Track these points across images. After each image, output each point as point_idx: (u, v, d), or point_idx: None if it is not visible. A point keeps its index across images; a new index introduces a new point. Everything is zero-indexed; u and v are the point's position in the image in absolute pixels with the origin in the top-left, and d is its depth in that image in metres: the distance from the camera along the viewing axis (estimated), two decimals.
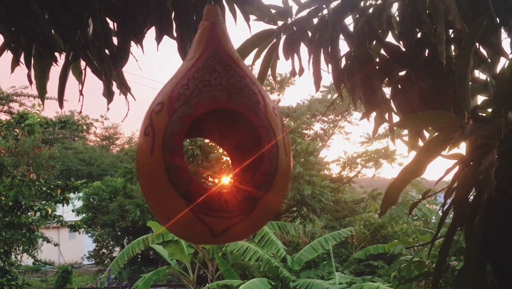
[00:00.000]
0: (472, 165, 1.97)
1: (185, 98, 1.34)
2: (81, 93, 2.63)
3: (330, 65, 2.89)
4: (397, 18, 2.76)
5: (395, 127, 2.66)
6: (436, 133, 2.12)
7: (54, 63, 2.47)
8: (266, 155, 1.34)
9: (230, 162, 1.67)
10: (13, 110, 22.85)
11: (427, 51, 2.62)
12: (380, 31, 2.77)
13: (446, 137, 2.00)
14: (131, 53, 2.49)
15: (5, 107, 24.69)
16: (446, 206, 2.08)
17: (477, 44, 2.49)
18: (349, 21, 2.88)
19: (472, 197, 2.00)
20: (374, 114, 2.85)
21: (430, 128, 2.59)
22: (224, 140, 1.69)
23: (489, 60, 2.55)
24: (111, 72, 2.47)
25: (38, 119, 10.65)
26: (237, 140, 1.61)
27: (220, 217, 1.30)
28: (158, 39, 2.51)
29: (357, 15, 2.85)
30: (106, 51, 2.41)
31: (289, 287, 14.11)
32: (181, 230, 1.39)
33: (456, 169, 2.01)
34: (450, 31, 2.62)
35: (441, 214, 2.16)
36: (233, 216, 1.31)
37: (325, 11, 2.90)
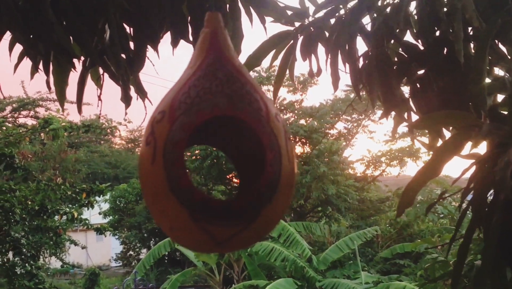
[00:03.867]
0: (489, 164, 1.95)
1: (186, 106, 1.33)
2: (99, 99, 2.65)
3: (348, 65, 2.89)
4: (415, 17, 2.74)
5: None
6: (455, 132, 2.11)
7: (72, 69, 2.50)
8: (269, 161, 1.33)
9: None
10: (39, 115, 23.08)
11: (445, 49, 2.60)
12: (397, 30, 2.75)
13: (462, 137, 1.98)
14: (148, 58, 2.51)
15: (31, 112, 24.94)
16: (464, 206, 2.06)
17: (496, 41, 2.47)
18: (366, 20, 2.87)
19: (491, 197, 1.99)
20: (393, 113, 2.84)
21: (451, 128, 2.57)
22: (227, 148, 1.68)
23: (509, 57, 2.52)
24: (128, 77, 2.48)
25: (63, 124, 10.74)
26: (239, 147, 1.60)
27: (222, 225, 1.30)
28: (174, 43, 2.53)
29: (375, 15, 2.83)
30: (123, 55, 2.43)
31: (315, 287, 14.11)
32: (184, 239, 1.39)
33: (474, 168, 2.00)
34: (470, 28, 2.60)
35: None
36: (236, 224, 1.31)
37: (342, 11, 2.89)
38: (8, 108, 24.64)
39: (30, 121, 24.19)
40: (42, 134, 11.64)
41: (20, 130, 11.30)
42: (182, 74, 1.44)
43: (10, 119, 24.19)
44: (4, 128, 11.77)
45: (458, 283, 2.08)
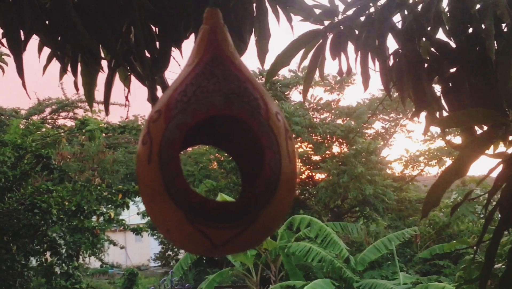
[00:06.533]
0: None
1: (182, 105, 1.31)
2: (126, 99, 2.65)
3: (378, 64, 2.84)
4: (447, 14, 2.70)
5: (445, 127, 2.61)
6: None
7: (101, 70, 2.50)
8: (267, 162, 1.29)
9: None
10: (78, 116, 23.38)
11: (477, 47, 2.54)
12: (429, 28, 2.71)
13: (489, 136, 1.93)
14: (173, 58, 2.50)
15: (70, 114, 25.28)
16: (491, 207, 2.02)
17: None
18: (397, 18, 2.82)
19: None
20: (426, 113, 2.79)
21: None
22: (227, 147, 1.65)
23: None
24: (153, 77, 2.47)
25: (101, 125, 10.84)
26: (238, 147, 1.57)
27: (220, 227, 1.27)
28: None
29: (405, 12, 2.78)
30: (148, 55, 2.42)
31: (353, 288, 14.03)
32: (181, 241, 1.36)
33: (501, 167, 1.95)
34: (503, 25, 2.54)
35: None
36: (234, 226, 1.27)
37: (372, 9, 2.84)
38: (48, 110, 25.02)
39: (69, 123, 24.55)
40: (79, 135, 11.76)
41: (57, 132, 11.44)
42: (181, 72, 1.42)
43: (49, 120, 24.55)
44: (43, 130, 11.93)
45: (486, 285, 2.03)
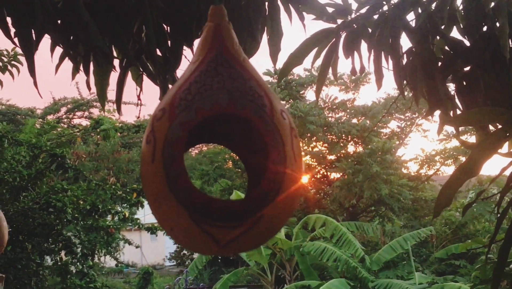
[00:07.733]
0: None
1: (186, 103, 1.29)
2: (139, 98, 2.65)
3: (391, 63, 2.83)
4: (462, 12, 2.68)
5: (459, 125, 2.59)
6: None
7: (113, 69, 2.50)
8: (271, 160, 1.28)
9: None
10: (94, 116, 23.48)
11: (492, 45, 2.52)
12: (443, 26, 2.69)
13: (501, 135, 1.91)
14: (185, 56, 2.49)
15: (86, 113, 25.39)
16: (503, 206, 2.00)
17: None
18: (411, 17, 2.80)
19: None
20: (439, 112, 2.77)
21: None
22: (232, 146, 1.64)
23: None
24: (165, 76, 2.47)
25: (116, 124, 10.87)
26: (243, 145, 1.56)
27: (224, 226, 1.25)
28: None
29: (419, 10, 2.76)
30: (159, 54, 2.42)
31: (368, 288, 14.00)
32: (185, 241, 1.35)
33: None
34: None
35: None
36: (238, 225, 1.26)
37: (385, 7, 2.83)
38: (63, 109, 25.15)
39: (84, 122, 24.66)
40: (94, 135, 11.80)
41: (72, 131, 11.49)
42: (185, 70, 1.41)
43: (65, 120, 24.69)
44: (58, 129, 11.99)
45: (498, 285, 2.01)
